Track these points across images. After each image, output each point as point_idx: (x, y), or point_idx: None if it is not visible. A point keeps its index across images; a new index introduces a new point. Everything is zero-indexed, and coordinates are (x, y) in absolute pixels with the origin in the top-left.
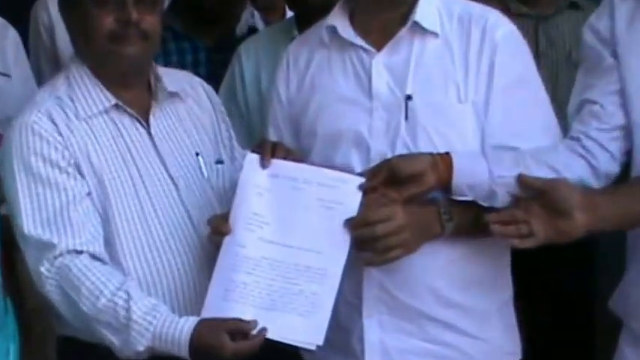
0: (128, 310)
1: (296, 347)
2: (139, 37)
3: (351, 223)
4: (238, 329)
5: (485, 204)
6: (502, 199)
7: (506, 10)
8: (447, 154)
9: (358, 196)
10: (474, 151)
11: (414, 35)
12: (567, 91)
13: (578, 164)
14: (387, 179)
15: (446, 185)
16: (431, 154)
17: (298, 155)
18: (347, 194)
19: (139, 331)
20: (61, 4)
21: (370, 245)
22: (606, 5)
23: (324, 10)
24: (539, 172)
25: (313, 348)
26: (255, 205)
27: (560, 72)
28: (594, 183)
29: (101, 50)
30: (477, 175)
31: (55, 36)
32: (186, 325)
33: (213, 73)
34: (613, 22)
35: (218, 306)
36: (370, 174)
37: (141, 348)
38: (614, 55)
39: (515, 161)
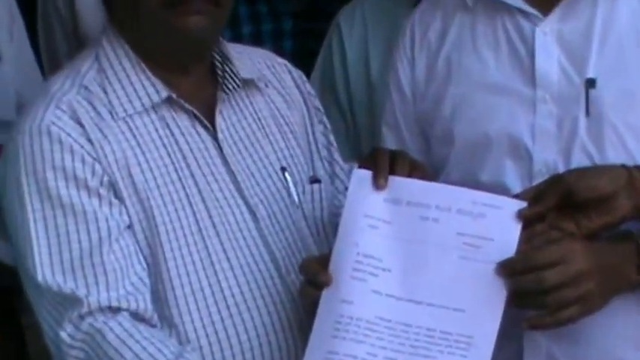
0: None
1: None
2: (207, 3)
3: (507, 268)
4: None
5: None
6: None
7: None
8: None
9: (517, 228)
10: None
11: None
12: None
13: None
14: (559, 203)
15: None
16: (624, 166)
17: (428, 170)
18: (500, 225)
19: None
20: None
21: (536, 300)
22: None
23: None
24: None
25: None
26: (368, 243)
27: None
28: None
29: (152, 19)
30: None
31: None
32: None
33: (303, 50)
34: None
35: None
36: (534, 196)
37: None
38: None
39: None
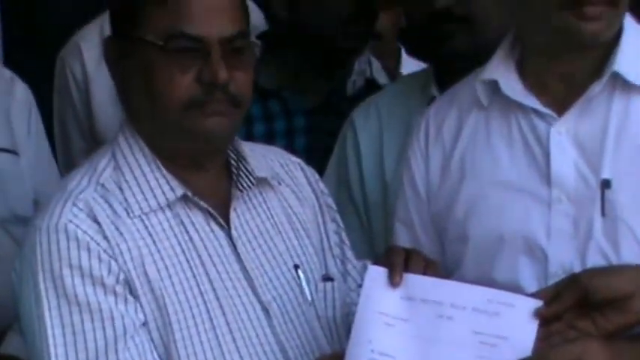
0: None
1: None
2: (226, 104)
3: None
4: None
5: None
6: None
7: None
8: None
9: (533, 327)
10: None
11: (614, 92)
12: None
13: None
14: (576, 303)
15: None
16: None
17: (442, 269)
18: (517, 324)
19: None
20: (109, 49)
21: None
22: None
23: (475, 57)
24: None
25: None
26: (382, 341)
27: None
28: None
29: (172, 121)
30: None
31: (92, 96)
32: None
33: (316, 147)
34: None
35: None
36: (551, 295)
37: None
38: None
39: None
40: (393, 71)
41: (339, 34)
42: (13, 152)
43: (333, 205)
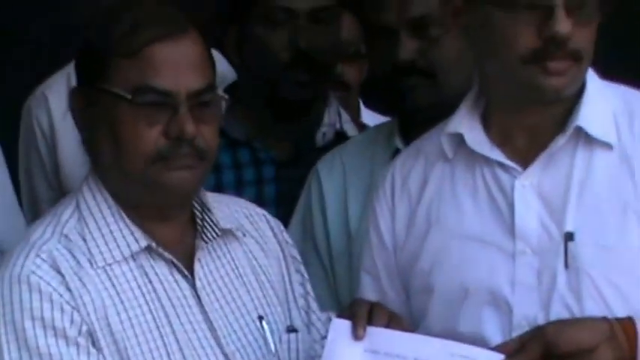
0: None
1: None
2: (193, 158)
3: None
4: None
5: None
6: None
7: None
8: (630, 319)
9: None
10: None
11: (577, 146)
12: None
13: None
14: (540, 355)
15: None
16: (605, 319)
17: (407, 321)
18: None
19: None
20: (76, 100)
21: None
22: None
23: (439, 110)
24: None
25: None
26: None
27: None
28: None
29: (138, 174)
30: None
31: (58, 145)
32: None
33: (285, 197)
34: None
35: None
36: (516, 347)
37: None
38: None
39: None
40: (358, 123)
41: (281, 81)
42: None
43: (298, 257)
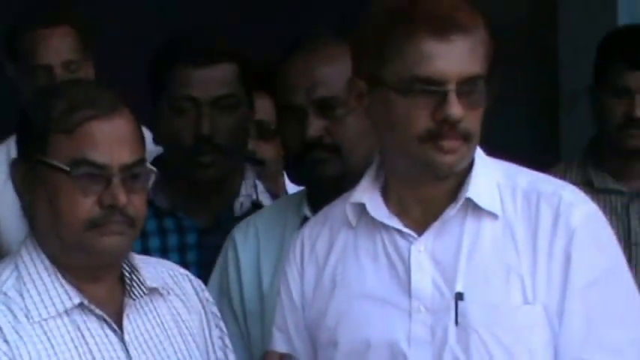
0: None
1: None
2: (124, 225)
3: None
4: None
5: None
6: None
7: (587, 184)
8: None
9: None
10: None
11: (466, 216)
12: None
13: None
14: None
15: None
16: None
17: None
18: None
19: None
20: (16, 170)
21: None
22: None
23: (344, 181)
24: None
25: None
26: None
27: None
28: None
29: (73, 239)
30: None
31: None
32: None
33: (206, 261)
34: None
35: None
36: None
37: None
38: None
39: None
40: (277, 194)
41: (187, 163)
42: None
43: (218, 313)
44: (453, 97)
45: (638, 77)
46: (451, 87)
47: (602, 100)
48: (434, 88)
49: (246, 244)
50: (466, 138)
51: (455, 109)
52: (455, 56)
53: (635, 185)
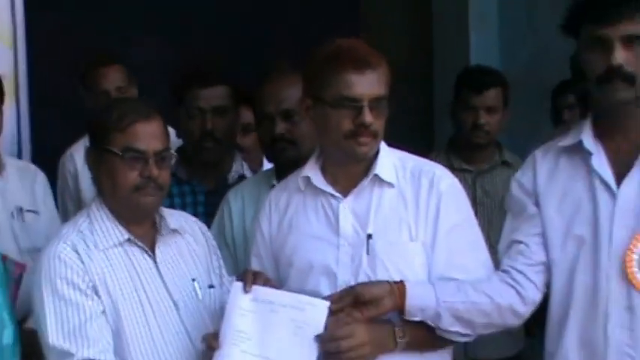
0: None
1: None
2: (156, 189)
3: (320, 339)
4: None
5: (432, 324)
6: (446, 320)
7: (450, 166)
8: (402, 282)
9: (324, 317)
10: (423, 281)
11: (374, 185)
12: (500, 234)
13: (509, 292)
14: (351, 302)
15: (400, 308)
16: (388, 282)
17: (276, 283)
18: (315, 315)
19: None
20: (89, 156)
21: (336, 357)
22: (529, 162)
23: (298, 162)
24: (477, 298)
25: None
26: (240, 324)
27: (494, 218)
28: (522, 309)
29: (125, 198)
30: (426, 300)
31: (80, 181)
32: None
33: (211, 212)
34: (535, 178)
35: None
36: (337, 298)
37: None
38: (536, 204)
39: (457, 289)
40: (256, 170)
41: (201, 146)
42: (35, 212)
43: (215, 245)
44: (366, 110)
45: (479, 98)
46: (365, 103)
47: (458, 113)
48: (354, 104)
49: (235, 202)
50: (374, 136)
51: (367, 117)
52: (367, 84)
53: (478, 167)
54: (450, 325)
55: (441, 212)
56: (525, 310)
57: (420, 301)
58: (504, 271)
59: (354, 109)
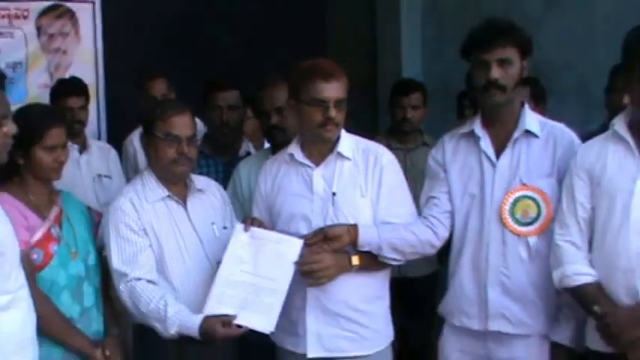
0: (165, 311)
1: (260, 333)
2: (187, 161)
3: (298, 264)
4: (225, 321)
5: (376, 253)
6: (385, 251)
7: (388, 146)
8: (355, 225)
9: (299, 248)
10: (370, 224)
11: (337, 159)
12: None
13: (427, 232)
14: (322, 239)
15: (354, 242)
16: (346, 225)
17: (268, 226)
18: (293, 248)
19: (172, 322)
20: (143, 138)
21: (310, 275)
22: (440, 143)
23: (286, 143)
24: (406, 235)
25: (268, 333)
26: (240, 252)
27: (418, 182)
28: (436, 243)
29: (166, 168)
30: (372, 237)
31: (137, 156)
32: (197, 319)
33: (227, 178)
34: (444, 154)
35: (215, 307)
36: (312, 236)
37: (173, 332)
38: (445, 171)
39: (392, 229)
40: (258, 148)
41: (220, 132)
42: (109, 177)
43: (229, 201)
44: (332, 108)
45: (407, 99)
46: (331, 104)
47: (393, 110)
48: (324, 104)
49: (244, 171)
50: (337, 125)
51: (332, 112)
52: (333, 90)
53: (407, 146)
54: (388, 254)
55: (383, 178)
56: (438, 244)
57: (368, 237)
58: (425, 217)
59: (324, 107)
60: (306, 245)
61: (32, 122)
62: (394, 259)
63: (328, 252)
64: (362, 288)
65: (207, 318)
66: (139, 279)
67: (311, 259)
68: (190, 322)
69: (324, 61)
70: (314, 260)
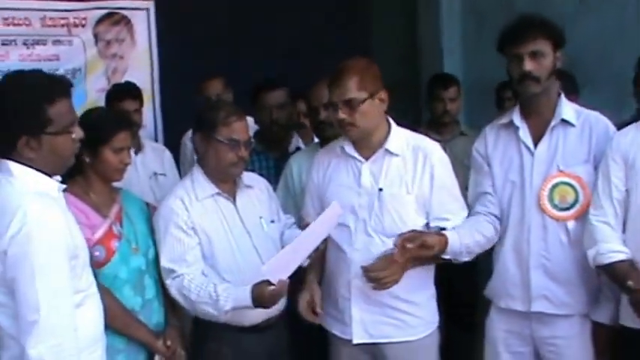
0: (216, 291)
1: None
2: (243, 163)
3: (369, 269)
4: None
5: (451, 257)
6: (463, 255)
7: (427, 136)
8: (444, 235)
9: (335, 220)
10: (452, 231)
11: (385, 154)
12: (460, 181)
13: (491, 230)
14: (420, 245)
15: (441, 253)
16: (439, 234)
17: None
18: (332, 219)
19: (224, 299)
20: (195, 139)
21: (378, 282)
22: (482, 135)
23: (336, 137)
24: (479, 238)
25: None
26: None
27: (459, 172)
28: (496, 237)
29: (224, 169)
30: (456, 247)
31: (192, 155)
32: (246, 289)
33: (278, 173)
34: (485, 145)
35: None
36: (410, 237)
37: (228, 307)
38: (489, 164)
39: (468, 233)
40: (308, 143)
41: (270, 129)
42: (164, 175)
43: (274, 195)
44: (337, 108)
45: (445, 92)
46: (338, 104)
47: (432, 103)
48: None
49: (295, 165)
50: (353, 125)
51: (337, 114)
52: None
53: (445, 137)
54: (462, 257)
55: (435, 176)
56: (497, 238)
57: (455, 248)
58: (484, 215)
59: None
60: (394, 246)
61: (103, 124)
62: (464, 260)
63: (401, 265)
64: (406, 279)
65: (255, 285)
66: (187, 274)
67: (384, 267)
68: (242, 294)
69: (359, 62)
70: (382, 267)
